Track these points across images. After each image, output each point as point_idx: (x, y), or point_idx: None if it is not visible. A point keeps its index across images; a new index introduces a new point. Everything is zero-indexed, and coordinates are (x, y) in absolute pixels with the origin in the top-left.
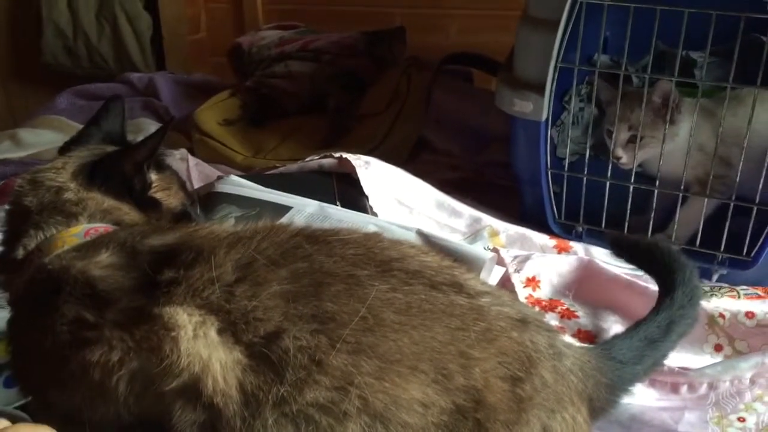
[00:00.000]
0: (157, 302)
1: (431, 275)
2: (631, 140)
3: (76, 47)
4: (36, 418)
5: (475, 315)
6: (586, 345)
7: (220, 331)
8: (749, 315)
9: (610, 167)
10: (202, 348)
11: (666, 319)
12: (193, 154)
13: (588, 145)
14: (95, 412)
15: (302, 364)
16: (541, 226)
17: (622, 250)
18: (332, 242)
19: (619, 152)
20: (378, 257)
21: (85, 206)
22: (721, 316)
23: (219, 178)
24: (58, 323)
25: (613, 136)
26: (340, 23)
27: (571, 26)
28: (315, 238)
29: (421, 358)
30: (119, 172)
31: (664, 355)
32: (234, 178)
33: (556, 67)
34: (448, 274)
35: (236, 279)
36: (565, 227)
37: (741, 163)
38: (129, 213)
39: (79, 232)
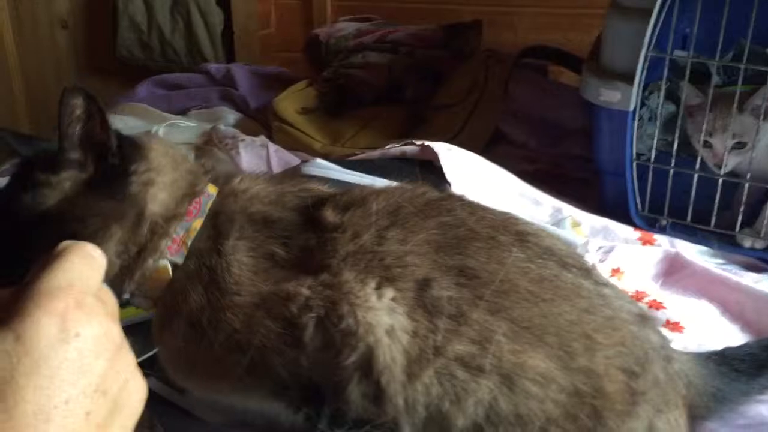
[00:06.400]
0: (328, 251)
1: (562, 255)
2: (735, 146)
3: (150, 41)
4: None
5: (601, 301)
6: (693, 352)
7: (379, 285)
8: None
9: (699, 160)
10: (375, 318)
11: None
12: (271, 141)
13: (676, 138)
14: (275, 353)
15: (450, 313)
16: (622, 219)
17: None
18: (473, 204)
19: (725, 160)
20: (514, 227)
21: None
22: None
23: (304, 161)
24: (256, 256)
25: (714, 146)
26: (408, 19)
27: (663, 15)
28: (459, 197)
29: (547, 330)
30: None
31: None
32: (320, 161)
33: (646, 56)
34: (577, 259)
35: (389, 224)
36: (648, 220)
37: None
38: None
39: None
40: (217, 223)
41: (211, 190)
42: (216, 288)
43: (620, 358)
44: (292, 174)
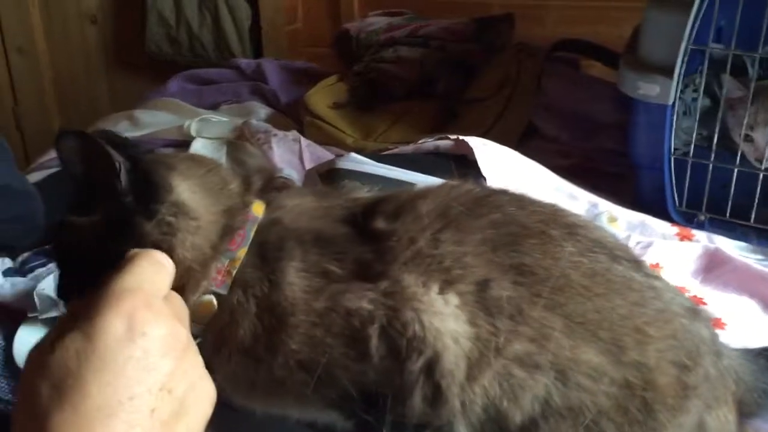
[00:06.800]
0: (386, 259)
1: (612, 247)
2: None
3: (179, 36)
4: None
5: (652, 294)
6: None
7: (442, 289)
8: None
9: (739, 154)
10: (442, 323)
11: None
12: (303, 136)
13: (716, 132)
14: (340, 368)
15: (510, 314)
16: (659, 214)
17: None
18: (521, 198)
19: (767, 154)
20: (563, 220)
21: None
22: None
23: (338, 155)
24: (309, 276)
25: (756, 140)
26: (437, 13)
27: (705, 5)
28: (504, 191)
29: (600, 326)
30: None
31: None
32: (354, 155)
33: (686, 49)
34: (627, 251)
35: (442, 227)
36: (686, 215)
37: None
38: None
39: None
40: (264, 250)
41: (257, 210)
42: (269, 314)
43: (672, 351)
44: (328, 168)
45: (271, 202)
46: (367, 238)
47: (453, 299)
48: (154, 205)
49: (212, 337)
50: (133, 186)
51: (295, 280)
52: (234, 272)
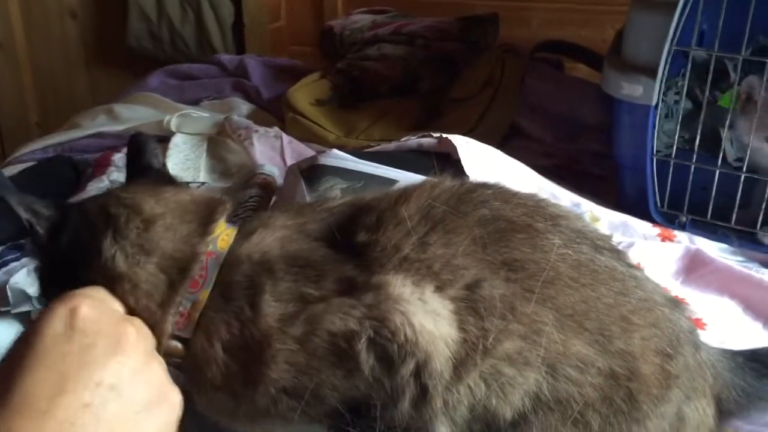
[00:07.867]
0: (370, 270)
1: (594, 238)
2: None
3: (160, 31)
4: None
5: (634, 283)
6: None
7: (434, 291)
8: None
9: (720, 156)
10: (435, 326)
11: None
12: (284, 132)
13: (698, 134)
14: (329, 388)
15: (501, 313)
16: (641, 215)
17: None
18: (503, 191)
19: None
20: (546, 211)
21: None
22: None
23: (320, 152)
24: (282, 303)
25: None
26: (421, 12)
27: (689, 8)
28: (485, 185)
29: (587, 316)
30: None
31: None
32: (337, 152)
33: (670, 49)
34: (607, 241)
35: (428, 230)
36: (668, 216)
37: None
38: None
39: None
40: (229, 290)
41: (222, 243)
42: (242, 351)
43: (654, 340)
44: (310, 164)
45: (242, 228)
46: (349, 254)
47: (447, 303)
48: (80, 268)
49: (186, 374)
50: (58, 240)
51: (267, 311)
52: (196, 315)
